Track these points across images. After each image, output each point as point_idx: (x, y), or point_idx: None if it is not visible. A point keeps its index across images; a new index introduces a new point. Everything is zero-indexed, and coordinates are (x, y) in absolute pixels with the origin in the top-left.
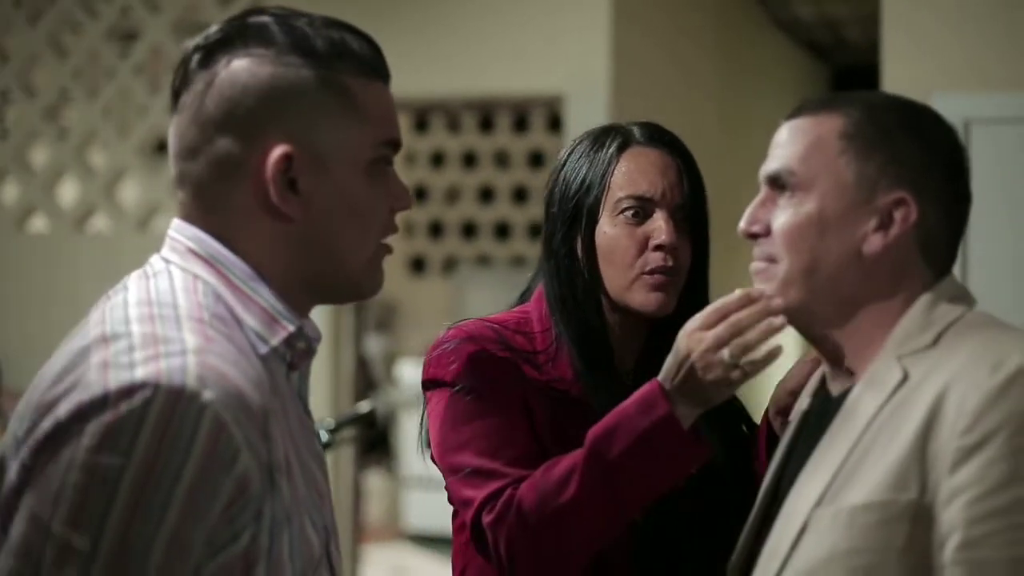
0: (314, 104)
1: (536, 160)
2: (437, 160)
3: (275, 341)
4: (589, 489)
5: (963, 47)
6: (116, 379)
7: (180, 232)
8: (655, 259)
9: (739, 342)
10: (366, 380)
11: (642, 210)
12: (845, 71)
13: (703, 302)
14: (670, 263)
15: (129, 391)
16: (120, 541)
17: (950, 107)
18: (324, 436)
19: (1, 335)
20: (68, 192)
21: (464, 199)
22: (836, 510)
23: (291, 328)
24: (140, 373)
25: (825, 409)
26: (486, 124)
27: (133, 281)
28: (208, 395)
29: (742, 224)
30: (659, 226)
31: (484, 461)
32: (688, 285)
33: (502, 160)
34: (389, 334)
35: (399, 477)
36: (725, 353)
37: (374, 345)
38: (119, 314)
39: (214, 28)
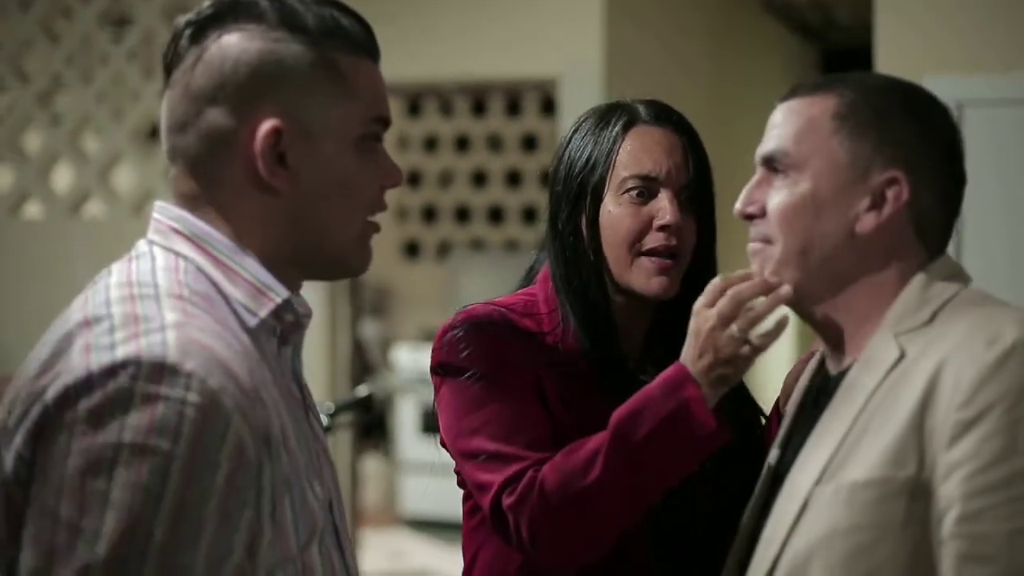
0: (304, 79)
1: (529, 144)
2: (430, 144)
3: (263, 313)
4: (614, 471)
5: (956, 29)
6: (98, 361)
7: (163, 213)
8: (658, 239)
9: (747, 316)
10: (362, 364)
11: (646, 190)
12: (836, 53)
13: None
14: (673, 243)
15: (111, 371)
16: (126, 524)
17: (943, 89)
18: (324, 420)
19: None
20: (62, 178)
21: (457, 183)
22: (836, 487)
23: (278, 299)
24: (121, 352)
25: (823, 389)
26: (479, 108)
27: (116, 265)
28: (191, 364)
29: (738, 205)
30: (663, 206)
31: (500, 445)
32: (696, 266)
33: (495, 144)
34: (383, 319)
35: (396, 462)
36: (734, 328)
37: (369, 329)
38: (100, 298)
39: (205, 4)
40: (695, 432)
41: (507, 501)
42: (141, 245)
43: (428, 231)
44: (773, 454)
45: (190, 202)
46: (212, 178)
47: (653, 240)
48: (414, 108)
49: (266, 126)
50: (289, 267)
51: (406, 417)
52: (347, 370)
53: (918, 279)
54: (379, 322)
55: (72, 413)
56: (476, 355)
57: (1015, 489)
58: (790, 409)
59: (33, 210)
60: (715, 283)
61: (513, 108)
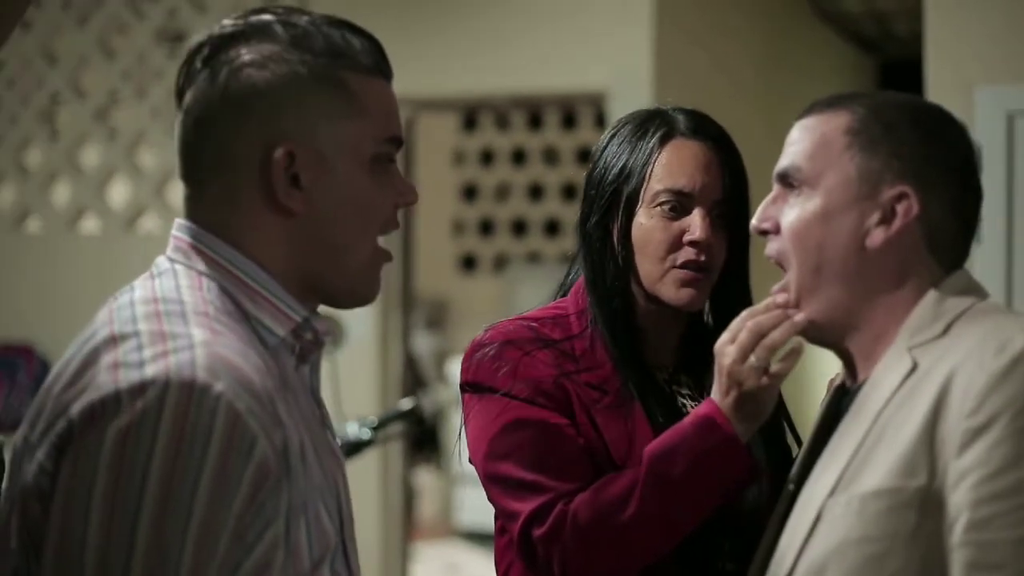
0: (316, 100)
1: (584, 157)
2: (486, 158)
3: (282, 331)
4: (649, 507)
5: (1005, 40)
6: (127, 378)
7: (184, 232)
8: (687, 254)
9: (763, 344)
10: (415, 378)
11: (679, 205)
12: (892, 65)
13: (743, 299)
14: (702, 259)
15: (141, 389)
16: (153, 544)
17: (993, 100)
18: (367, 433)
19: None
20: (119, 193)
21: (514, 197)
22: (848, 499)
23: (298, 318)
24: (150, 371)
25: (841, 404)
26: (535, 122)
27: (139, 281)
28: (220, 386)
29: (754, 221)
30: (695, 222)
31: (529, 474)
32: (726, 282)
33: (551, 157)
34: (440, 332)
35: (450, 474)
36: (752, 360)
37: (424, 343)
38: (126, 314)
39: (217, 27)
40: (730, 471)
41: (537, 532)
42: (162, 263)
43: (485, 244)
44: (794, 471)
45: (208, 223)
46: (228, 201)
47: (684, 255)
48: (470, 122)
49: (280, 150)
50: (303, 289)
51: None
52: (398, 384)
53: (932, 293)
54: (436, 336)
55: (99, 432)
56: (508, 374)
57: (1023, 497)
58: (811, 428)
59: (90, 225)
60: (739, 318)
61: (568, 122)
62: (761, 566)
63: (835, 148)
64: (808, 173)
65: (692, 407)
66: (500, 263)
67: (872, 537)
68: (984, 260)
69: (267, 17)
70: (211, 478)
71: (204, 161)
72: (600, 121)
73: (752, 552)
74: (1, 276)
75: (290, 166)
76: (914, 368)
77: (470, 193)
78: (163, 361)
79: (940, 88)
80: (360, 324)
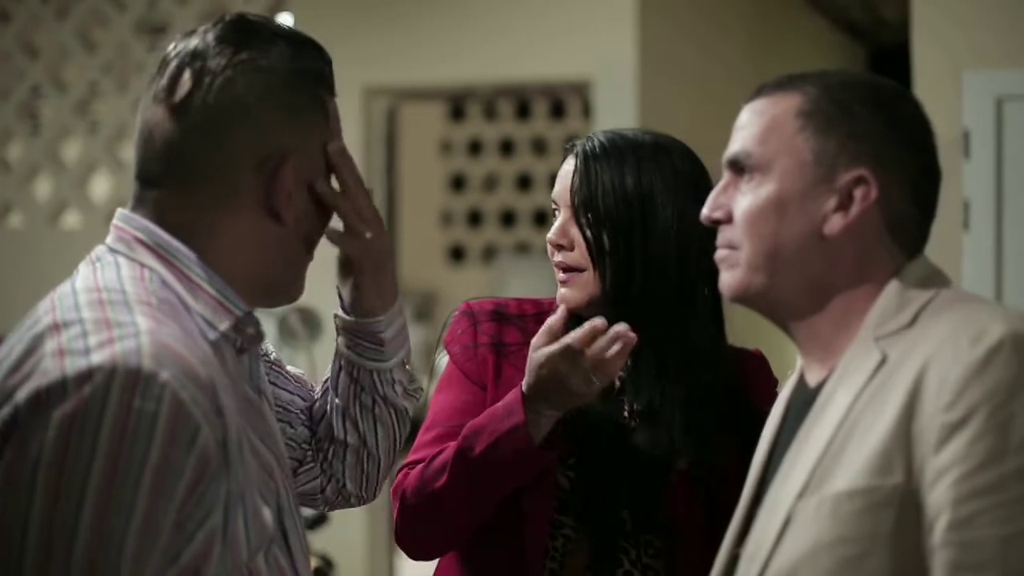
0: (309, 119)
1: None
2: (474, 148)
3: (223, 326)
4: (456, 481)
5: (994, 25)
6: (73, 365)
7: (127, 223)
8: (553, 253)
9: (593, 352)
10: None
11: (557, 211)
12: (881, 51)
13: (647, 293)
14: (557, 258)
15: (88, 375)
16: (96, 532)
17: (982, 85)
18: None
19: None
20: (100, 187)
21: (502, 187)
22: (819, 500)
23: (238, 313)
24: (96, 358)
25: (802, 401)
26: (523, 112)
27: (80, 269)
28: (165, 374)
29: (704, 211)
30: (553, 225)
31: (424, 432)
32: (619, 278)
33: (539, 147)
34: (428, 324)
35: None
36: (582, 362)
37: (412, 335)
38: (68, 302)
39: (203, 32)
40: (517, 457)
41: (392, 487)
42: (103, 252)
43: (473, 235)
44: (754, 472)
45: (168, 222)
46: (212, 206)
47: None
48: (458, 112)
49: (290, 163)
50: (256, 291)
51: None
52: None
53: (895, 282)
54: (424, 328)
55: (44, 418)
56: (454, 340)
57: (1006, 493)
58: (769, 428)
59: (72, 219)
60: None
61: (557, 111)
62: (726, 571)
63: (787, 131)
64: (759, 158)
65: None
66: (489, 254)
67: (846, 539)
68: (973, 245)
69: (258, 26)
70: (155, 467)
71: (194, 166)
72: (587, 111)
73: (648, 506)
74: None
75: (284, 178)
76: (883, 361)
77: (458, 183)
78: (109, 348)
79: (929, 73)
80: None
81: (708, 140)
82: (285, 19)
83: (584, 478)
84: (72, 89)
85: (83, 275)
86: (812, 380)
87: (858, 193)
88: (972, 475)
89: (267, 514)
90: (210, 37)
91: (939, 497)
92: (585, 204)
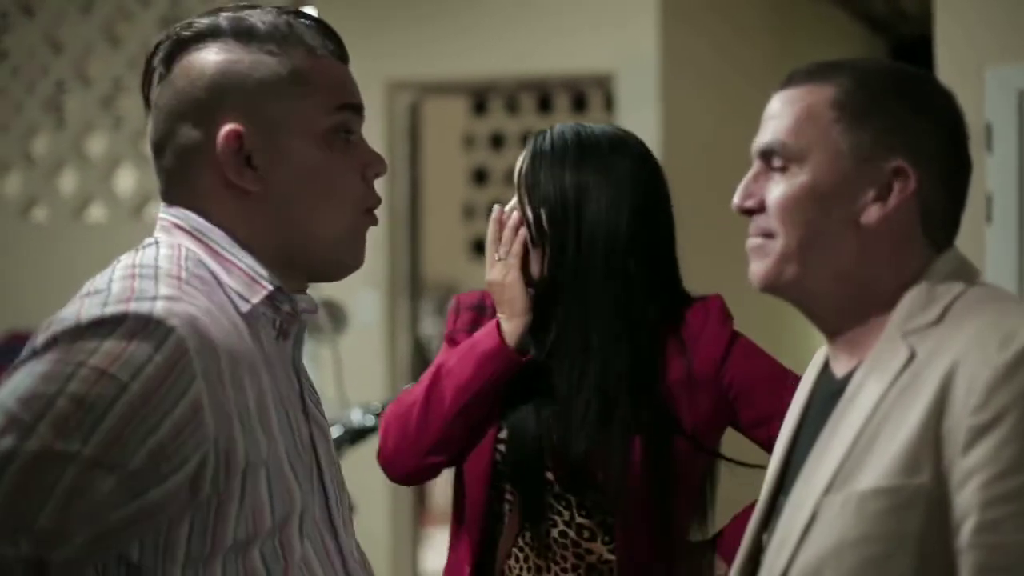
0: (261, 83)
1: None
2: (496, 142)
3: (255, 299)
4: (428, 389)
5: (1017, 19)
6: (88, 314)
7: (166, 212)
8: None
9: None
10: (424, 364)
11: None
12: (903, 45)
13: (576, 276)
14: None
15: (100, 321)
16: (62, 429)
17: (1004, 79)
18: (371, 420)
19: None
20: (125, 181)
21: None
22: (845, 497)
23: (269, 287)
24: (110, 310)
25: (829, 392)
26: (544, 106)
27: (124, 255)
28: (174, 322)
29: (736, 200)
30: None
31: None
32: (555, 259)
33: None
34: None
35: None
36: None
37: (434, 329)
38: (105, 277)
39: (170, 33)
40: (483, 346)
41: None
42: (148, 240)
43: None
44: (776, 462)
45: (191, 204)
46: (191, 190)
47: None
48: (480, 106)
49: (225, 129)
50: (284, 266)
51: None
52: (407, 370)
53: (925, 276)
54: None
55: (51, 349)
56: (447, 322)
57: None
58: (793, 414)
59: (96, 213)
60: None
61: (578, 105)
62: (749, 563)
63: (822, 122)
64: (794, 149)
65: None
66: None
67: (871, 537)
68: (996, 238)
69: (215, 16)
70: (138, 394)
71: (168, 155)
72: (609, 104)
73: (578, 485)
74: (7, 265)
75: (240, 147)
76: (912, 357)
77: (480, 177)
78: (124, 305)
79: (951, 67)
80: (367, 310)
81: (730, 131)
82: (309, 11)
83: (512, 445)
84: (97, 84)
85: (125, 258)
86: (839, 371)
87: (897, 184)
88: (1000, 479)
89: (295, 486)
90: (168, 35)
91: (966, 499)
92: (529, 191)
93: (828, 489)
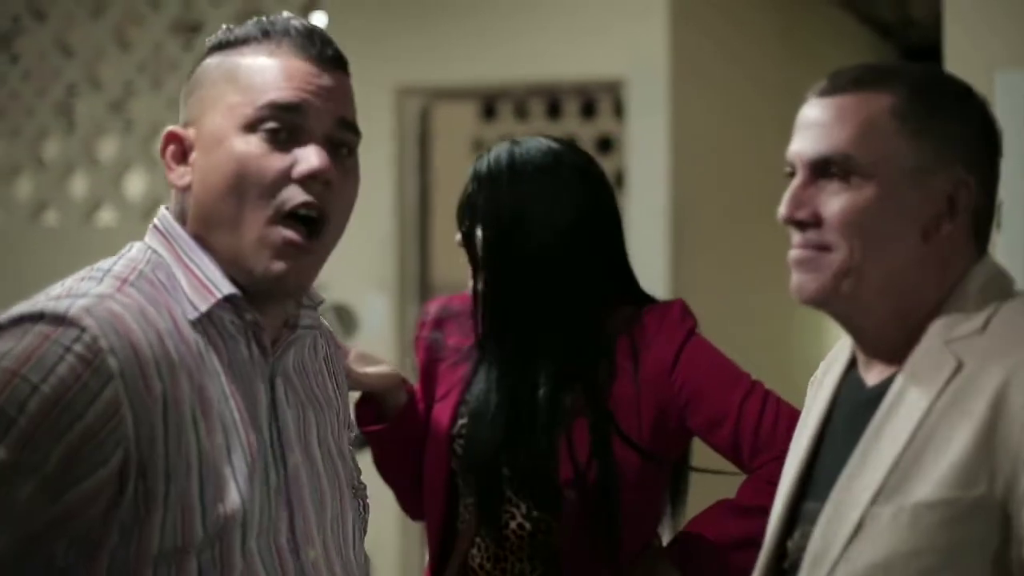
0: (203, 85)
1: (604, 146)
2: None
3: (204, 307)
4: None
5: None
6: (9, 314)
7: (159, 211)
8: None
9: None
10: None
11: None
12: (912, 50)
13: (512, 293)
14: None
15: (18, 319)
16: None
17: (1014, 85)
18: None
19: None
20: (135, 185)
21: None
22: (896, 509)
23: (218, 295)
24: (28, 308)
25: (860, 399)
26: (553, 111)
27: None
28: (89, 321)
29: (784, 210)
30: None
31: None
32: (490, 277)
33: None
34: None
35: None
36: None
37: None
38: (61, 282)
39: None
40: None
41: None
42: (135, 243)
43: None
44: (795, 466)
45: (176, 206)
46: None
47: None
48: (489, 112)
49: (164, 131)
50: (235, 270)
51: None
52: (416, 374)
53: (964, 284)
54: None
55: None
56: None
57: None
58: (813, 419)
59: (107, 217)
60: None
61: (587, 111)
62: (769, 571)
63: (886, 133)
64: (861, 162)
65: None
66: None
67: (925, 550)
68: (1006, 244)
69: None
70: (50, 396)
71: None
72: (619, 110)
73: (528, 485)
74: (17, 268)
75: (177, 146)
76: (959, 367)
77: None
78: (50, 303)
79: (960, 73)
80: (376, 314)
81: (740, 136)
82: (319, 19)
83: (467, 445)
84: (107, 88)
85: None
86: (871, 379)
87: (961, 197)
88: None
89: (236, 499)
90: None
91: None
92: (470, 214)
93: (875, 500)
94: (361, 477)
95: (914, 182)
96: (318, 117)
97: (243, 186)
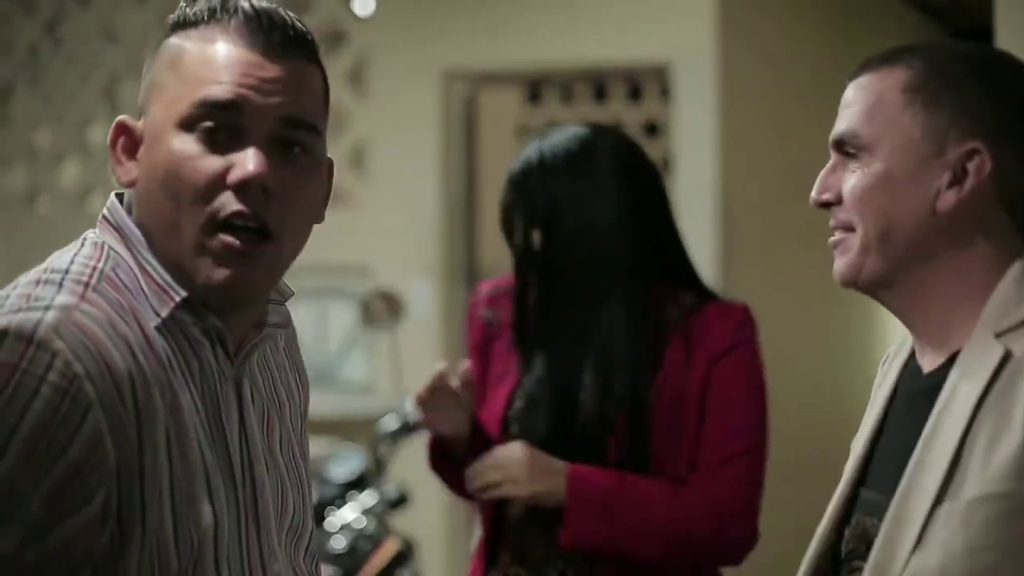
0: (155, 72)
1: (650, 130)
2: None
3: (164, 312)
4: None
5: None
6: None
7: (109, 206)
8: None
9: None
10: None
11: None
12: (963, 34)
13: (555, 289)
14: None
15: None
16: None
17: None
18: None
19: None
20: None
21: None
22: (951, 507)
23: (177, 298)
24: None
25: (917, 388)
26: (599, 95)
27: (55, 253)
28: (59, 344)
29: (813, 193)
30: None
31: None
32: (532, 275)
33: None
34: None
35: None
36: None
37: None
38: (17, 282)
39: None
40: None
41: None
42: (87, 234)
43: None
44: (856, 452)
45: (128, 197)
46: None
47: None
48: (534, 96)
49: (115, 121)
50: (178, 274)
51: None
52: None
53: (1014, 270)
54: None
55: None
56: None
57: None
58: (875, 409)
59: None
60: None
61: (634, 94)
62: (822, 558)
63: (894, 108)
64: (866, 138)
65: None
66: None
67: (981, 547)
68: None
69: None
70: (28, 435)
71: None
72: (665, 94)
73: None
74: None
75: (126, 138)
76: (1007, 357)
77: None
78: (10, 317)
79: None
80: (422, 301)
81: (790, 120)
82: (366, 1)
83: (521, 433)
84: None
85: (52, 257)
86: (927, 365)
87: (971, 166)
88: None
89: (208, 518)
90: None
91: None
92: (510, 219)
93: (938, 499)
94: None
95: (922, 154)
96: (259, 115)
97: (177, 189)
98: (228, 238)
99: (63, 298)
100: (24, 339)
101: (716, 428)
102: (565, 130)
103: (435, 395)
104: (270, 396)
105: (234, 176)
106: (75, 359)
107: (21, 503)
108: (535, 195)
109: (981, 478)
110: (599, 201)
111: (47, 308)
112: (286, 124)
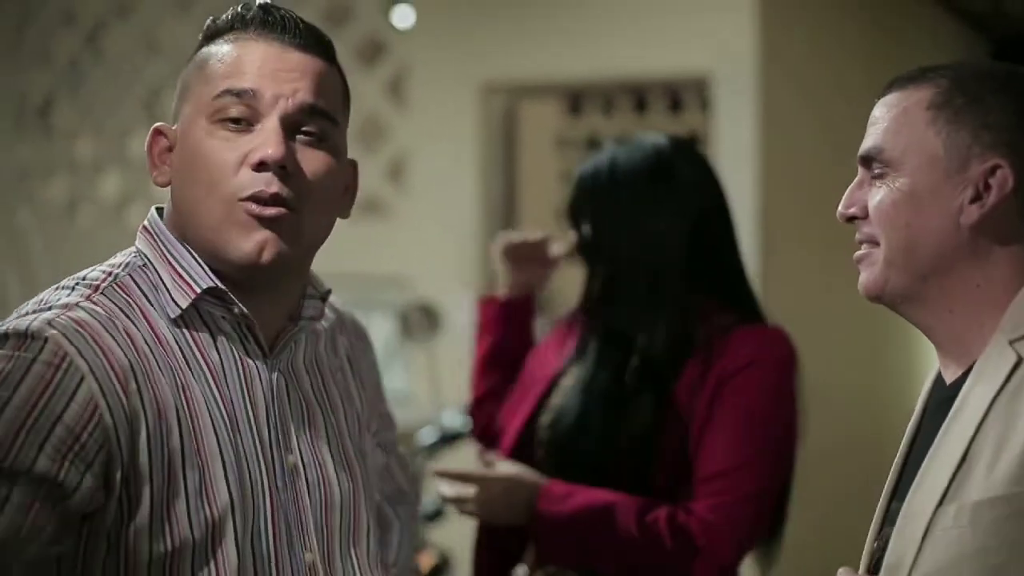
0: (183, 81)
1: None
2: (593, 145)
3: (184, 303)
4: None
5: None
6: None
7: (150, 211)
8: None
9: None
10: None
11: None
12: (1003, 41)
13: (616, 294)
14: None
15: None
16: None
17: None
18: (460, 421)
19: None
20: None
21: None
22: (958, 508)
23: (198, 289)
24: (1, 329)
25: (940, 399)
26: (640, 107)
27: None
28: (49, 332)
29: (840, 208)
30: None
31: None
32: (595, 279)
33: None
34: (544, 319)
35: None
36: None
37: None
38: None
39: None
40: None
41: None
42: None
43: None
44: (895, 468)
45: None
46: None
47: None
48: (575, 108)
49: (152, 128)
50: (215, 262)
51: None
52: None
53: None
54: (540, 322)
55: None
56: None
57: None
58: (913, 420)
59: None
60: None
61: (675, 106)
62: (868, 564)
63: (918, 125)
64: (892, 154)
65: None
66: None
67: (988, 548)
68: None
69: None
70: (20, 404)
71: None
72: (705, 106)
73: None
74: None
75: (162, 143)
76: (1019, 363)
77: None
78: (16, 321)
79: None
80: (460, 310)
81: (831, 133)
82: (405, 12)
83: (553, 430)
84: None
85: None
86: (948, 377)
87: (994, 182)
88: None
89: (224, 491)
90: None
91: None
92: (576, 219)
93: (942, 500)
94: (411, 483)
95: (945, 170)
96: (274, 100)
97: (204, 175)
98: (251, 205)
99: (67, 299)
100: (20, 335)
101: (705, 446)
102: (643, 136)
103: (526, 248)
104: (319, 396)
105: (254, 157)
106: (67, 342)
107: (18, 466)
108: (600, 199)
109: (988, 480)
110: (659, 214)
111: (49, 309)
112: (303, 111)
